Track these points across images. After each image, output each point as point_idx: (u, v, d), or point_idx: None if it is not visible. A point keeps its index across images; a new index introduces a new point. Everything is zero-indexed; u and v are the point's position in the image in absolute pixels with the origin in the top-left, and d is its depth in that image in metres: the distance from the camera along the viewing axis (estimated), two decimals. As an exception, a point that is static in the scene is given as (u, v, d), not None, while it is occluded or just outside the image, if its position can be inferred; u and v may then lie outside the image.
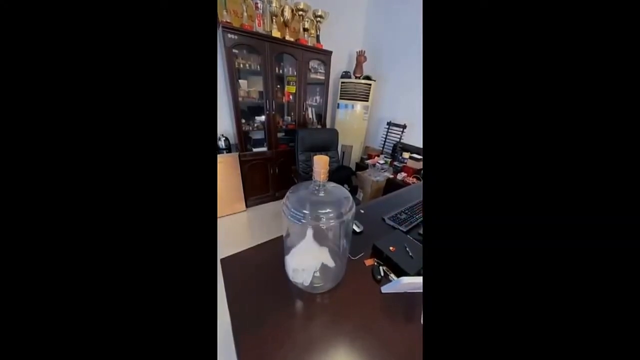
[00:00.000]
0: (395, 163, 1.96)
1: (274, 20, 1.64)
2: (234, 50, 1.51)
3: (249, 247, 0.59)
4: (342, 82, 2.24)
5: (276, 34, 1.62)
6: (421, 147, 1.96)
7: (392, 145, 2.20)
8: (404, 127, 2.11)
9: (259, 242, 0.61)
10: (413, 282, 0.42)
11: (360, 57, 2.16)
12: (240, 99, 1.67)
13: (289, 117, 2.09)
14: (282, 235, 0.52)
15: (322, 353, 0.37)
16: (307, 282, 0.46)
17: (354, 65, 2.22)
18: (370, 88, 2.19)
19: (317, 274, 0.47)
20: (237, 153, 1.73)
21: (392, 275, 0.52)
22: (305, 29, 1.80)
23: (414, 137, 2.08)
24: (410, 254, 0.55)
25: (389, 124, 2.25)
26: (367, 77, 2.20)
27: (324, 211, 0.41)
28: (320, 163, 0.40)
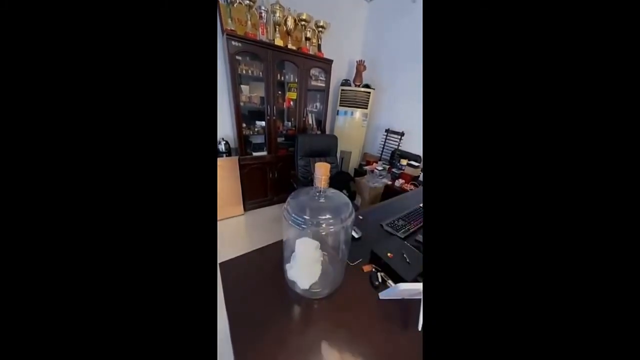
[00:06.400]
0: (393, 170, 1.98)
1: (277, 29, 1.69)
2: (237, 57, 1.55)
3: (247, 251, 0.59)
4: (342, 90, 2.29)
5: (279, 42, 1.67)
6: (419, 154, 1.99)
7: (390, 152, 2.23)
8: (402, 134, 2.15)
9: (257, 246, 0.61)
10: (410, 289, 0.43)
11: (360, 66, 2.22)
12: (241, 103, 1.69)
13: (289, 123, 2.12)
14: (281, 240, 0.53)
15: (319, 358, 0.37)
16: (305, 287, 0.46)
17: (353, 74, 2.27)
18: (369, 96, 2.24)
19: (316, 280, 0.47)
20: (237, 157, 1.74)
21: (390, 282, 0.53)
22: (307, 38, 1.86)
23: (412, 144, 2.11)
24: (408, 260, 0.56)
25: (387, 131, 2.29)
26: (367, 86, 2.25)
27: (324, 217, 0.41)
28: (322, 170, 0.41)
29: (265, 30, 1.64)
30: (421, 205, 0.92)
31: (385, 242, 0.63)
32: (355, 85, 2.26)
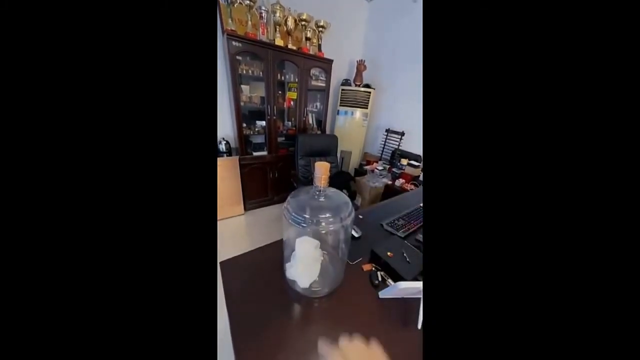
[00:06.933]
0: (394, 169, 1.98)
1: (278, 29, 1.69)
2: (238, 57, 1.55)
3: (247, 250, 0.60)
4: (342, 90, 2.29)
5: (279, 42, 1.67)
6: (419, 154, 1.99)
7: (390, 151, 2.23)
8: (402, 134, 2.15)
9: (257, 246, 0.62)
10: (410, 288, 0.43)
11: (360, 66, 2.22)
12: (242, 103, 1.69)
13: (290, 122, 2.12)
14: (281, 239, 0.53)
15: (319, 357, 0.37)
16: (305, 285, 0.46)
17: (354, 74, 2.27)
18: (369, 96, 2.24)
19: (316, 278, 0.47)
20: (237, 156, 1.74)
21: (390, 281, 0.53)
22: (307, 38, 1.86)
23: (412, 144, 2.11)
24: (408, 259, 0.56)
25: (387, 131, 2.29)
26: (367, 85, 2.25)
27: (324, 216, 0.42)
28: (322, 169, 0.41)
29: (265, 30, 1.64)
30: (421, 205, 0.92)
31: (385, 241, 0.63)
32: (356, 85, 2.26)
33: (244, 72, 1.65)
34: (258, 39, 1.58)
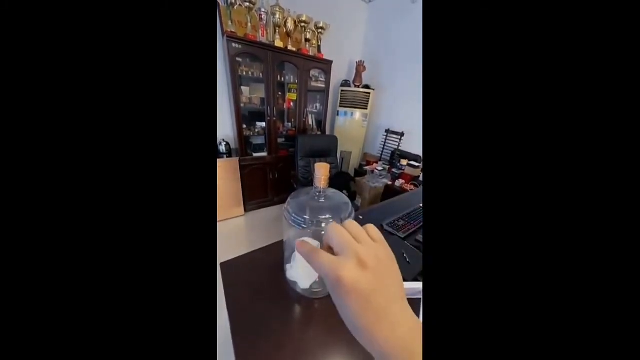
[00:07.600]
0: (393, 170, 1.99)
1: (277, 30, 1.70)
2: (238, 59, 1.56)
3: (248, 251, 0.60)
4: (342, 90, 2.30)
5: (279, 43, 1.68)
6: (419, 154, 2.00)
7: (390, 152, 2.24)
8: (402, 134, 2.16)
9: (258, 247, 0.62)
10: (410, 288, 0.43)
11: (360, 67, 2.22)
12: (242, 104, 1.70)
13: (290, 123, 2.13)
14: (282, 240, 0.53)
15: (320, 358, 0.37)
16: (306, 286, 0.46)
17: (353, 74, 2.28)
18: (369, 96, 2.25)
19: (317, 279, 0.47)
20: (237, 158, 1.75)
21: (390, 282, 0.53)
22: (307, 40, 1.87)
23: (412, 144, 2.12)
24: (408, 260, 0.56)
25: (387, 131, 2.29)
26: (366, 86, 2.26)
27: (324, 216, 0.42)
28: (322, 170, 0.41)
29: (265, 32, 1.65)
30: (421, 205, 0.92)
31: (385, 242, 0.62)
32: (355, 86, 2.26)
33: (244, 73, 1.65)
34: (258, 40, 1.59)
